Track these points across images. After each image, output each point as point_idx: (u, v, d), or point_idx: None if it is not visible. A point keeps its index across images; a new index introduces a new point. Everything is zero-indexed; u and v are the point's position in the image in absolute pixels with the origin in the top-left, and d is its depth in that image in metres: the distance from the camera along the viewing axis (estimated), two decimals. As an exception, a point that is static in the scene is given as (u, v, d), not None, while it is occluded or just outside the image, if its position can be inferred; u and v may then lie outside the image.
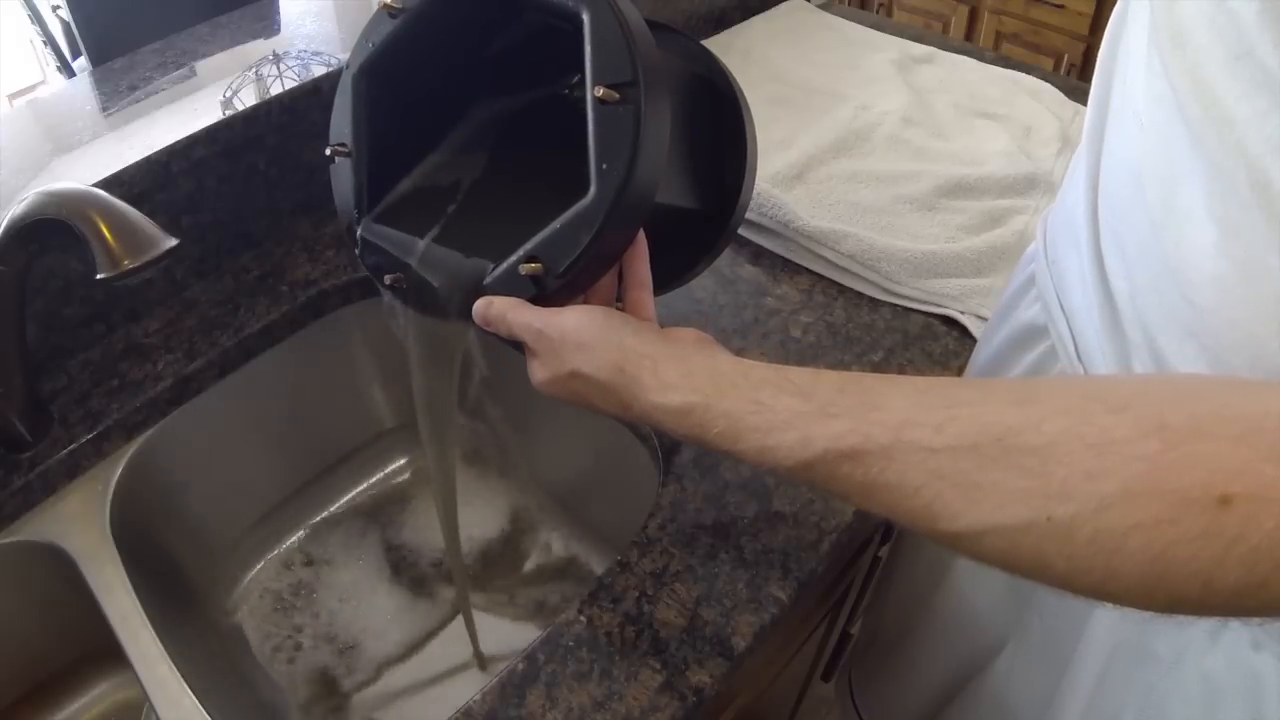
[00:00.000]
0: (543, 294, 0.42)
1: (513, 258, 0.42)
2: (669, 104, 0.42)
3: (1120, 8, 0.41)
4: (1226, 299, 0.34)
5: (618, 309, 0.46)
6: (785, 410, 0.33)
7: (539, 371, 0.41)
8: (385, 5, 0.45)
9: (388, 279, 0.47)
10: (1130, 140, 0.40)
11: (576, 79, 0.40)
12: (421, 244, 0.46)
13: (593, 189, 0.40)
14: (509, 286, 0.43)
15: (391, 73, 0.47)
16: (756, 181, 0.76)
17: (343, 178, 0.48)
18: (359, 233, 0.48)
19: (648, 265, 0.45)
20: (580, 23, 0.40)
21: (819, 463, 0.32)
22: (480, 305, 0.42)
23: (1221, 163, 0.32)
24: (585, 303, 0.46)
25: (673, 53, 0.56)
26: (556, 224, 0.41)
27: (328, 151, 0.48)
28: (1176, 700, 0.42)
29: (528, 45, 0.51)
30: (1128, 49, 0.40)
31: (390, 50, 0.46)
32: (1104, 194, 0.43)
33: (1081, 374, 0.45)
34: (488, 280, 0.43)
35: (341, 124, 0.48)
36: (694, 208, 0.55)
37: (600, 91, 0.39)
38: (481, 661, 0.70)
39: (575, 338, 0.39)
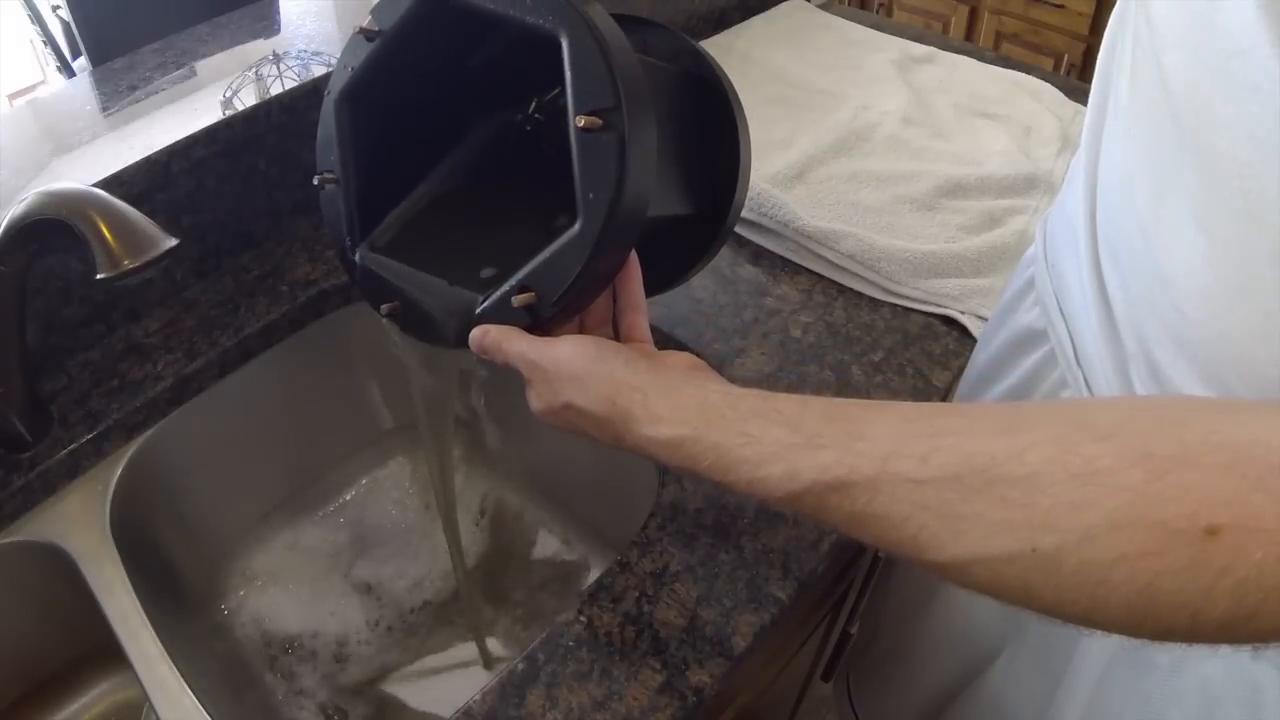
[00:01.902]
0: (537, 322, 0.42)
1: (505, 287, 0.42)
2: (654, 124, 0.41)
3: (1119, 11, 0.41)
4: (1216, 312, 0.34)
5: (613, 320, 0.46)
6: (773, 442, 0.33)
7: (534, 402, 0.42)
8: (361, 29, 0.44)
9: (384, 308, 0.46)
10: (1120, 146, 0.39)
11: (558, 90, 0.40)
12: (415, 272, 0.46)
13: (580, 219, 0.40)
14: (503, 315, 0.42)
15: (373, 95, 0.47)
16: (757, 181, 0.77)
17: (333, 205, 0.47)
18: (354, 260, 0.47)
19: (641, 286, 0.46)
20: (558, 44, 0.39)
21: (807, 494, 0.32)
22: (476, 334, 0.42)
23: (1212, 170, 0.32)
24: (581, 324, 0.46)
25: (659, 54, 0.56)
26: (546, 253, 0.41)
27: (316, 181, 0.47)
28: (1174, 708, 0.42)
29: (511, 53, 0.50)
30: (1122, 53, 0.40)
31: (370, 73, 0.45)
32: (1100, 200, 0.43)
33: (1080, 378, 0.45)
34: (482, 308, 0.43)
35: (327, 151, 0.47)
36: (688, 213, 0.55)
37: (582, 121, 0.38)
38: (484, 661, 0.70)
39: (568, 370, 0.39)
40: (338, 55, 0.45)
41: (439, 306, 0.45)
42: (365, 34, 0.45)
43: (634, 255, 0.45)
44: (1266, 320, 0.32)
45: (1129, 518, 0.25)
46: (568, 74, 0.39)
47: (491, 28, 0.41)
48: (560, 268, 0.40)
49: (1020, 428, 0.28)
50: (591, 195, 0.39)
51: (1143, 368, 0.40)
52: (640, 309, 0.45)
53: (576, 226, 0.40)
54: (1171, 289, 0.36)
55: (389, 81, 0.47)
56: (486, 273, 0.45)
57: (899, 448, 0.30)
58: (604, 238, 0.39)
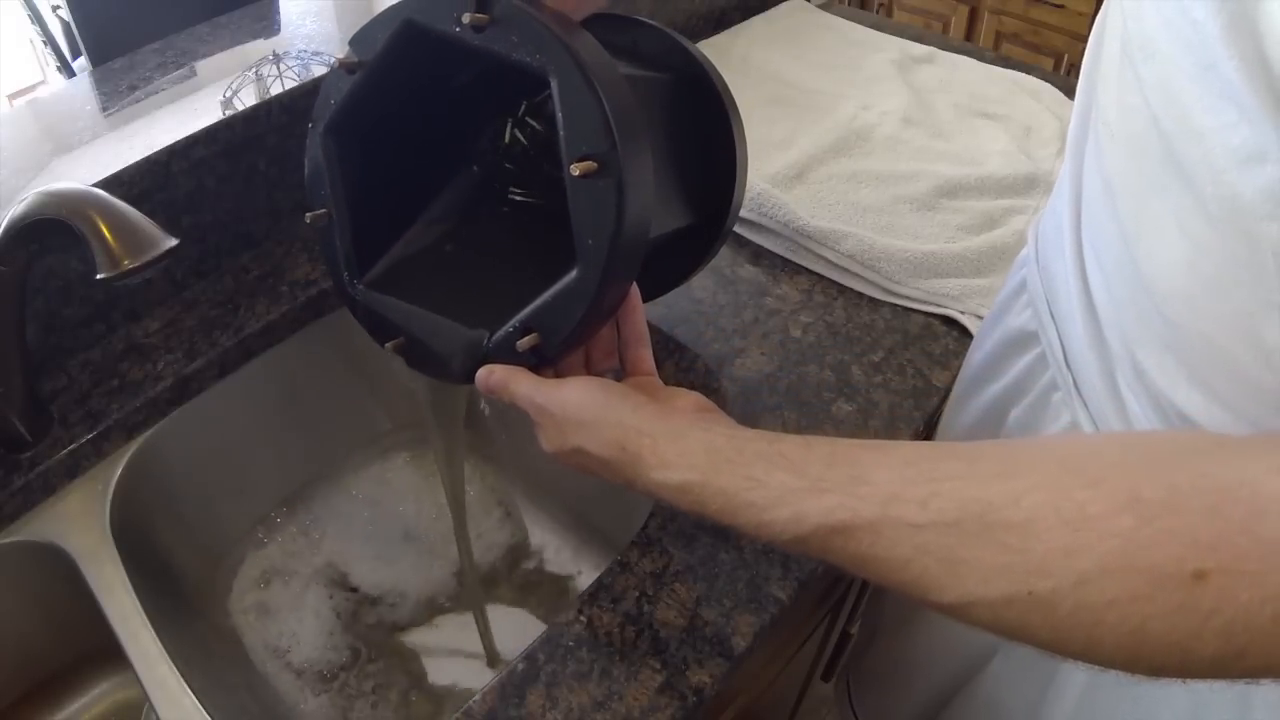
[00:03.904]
0: (543, 360, 0.42)
1: (507, 328, 0.42)
2: (651, 159, 0.41)
3: (1100, 18, 0.41)
4: (1197, 315, 0.34)
5: (616, 354, 0.47)
6: (778, 486, 0.33)
7: (544, 444, 0.42)
8: (341, 63, 0.44)
9: (389, 345, 0.46)
10: (1103, 152, 0.40)
11: (547, 93, 0.39)
12: (416, 309, 0.45)
13: (580, 265, 0.39)
14: (508, 356, 0.42)
15: (359, 126, 0.46)
16: (757, 181, 0.77)
17: (328, 241, 0.47)
18: (354, 296, 0.47)
19: (644, 319, 0.46)
20: (548, 81, 0.38)
21: (812, 537, 0.32)
22: (482, 374, 0.43)
23: (1191, 176, 0.32)
24: (587, 356, 0.46)
25: (649, 53, 0.55)
26: (547, 296, 0.40)
27: (308, 219, 0.46)
28: (1164, 708, 0.42)
29: (499, 66, 0.50)
30: (1105, 60, 0.40)
31: (354, 104, 0.45)
32: (1084, 204, 0.43)
33: (1070, 380, 0.45)
34: (486, 348, 0.43)
35: (317, 186, 0.46)
36: (688, 224, 0.54)
37: (577, 170, 0.38)
38: (489, 659, 0.70)
39: (576, 415, 0.40)
40: (337, 55, 0.44)
41: (443, 343, 0.45)
42: (346, 67, 0.44)
43: (635, 289, 0.45)
44: (1248, 322, 0.32)
45: (1119, 563, 0.25)
46: (559, 116, 0.38)
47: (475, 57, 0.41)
48: (563, 310, 0.40)
49: (1016, 472, 0.29)
50: (591, 241, 0.39)
51: (1128, 370, 0.40)
52: (644, 342, 0.46)
53: (576, 272, 0.39)
54: (1154, 292, 0.36)
55: (375, 110, 0.46)
56: (489, 308, 0.44)
57: (899, 492, 0.30)
58: (605, 280, 0.39)
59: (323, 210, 0.46)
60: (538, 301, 0.41)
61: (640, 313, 0.46)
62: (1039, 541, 0.27)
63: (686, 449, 0.37)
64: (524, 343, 0.41)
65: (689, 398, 0.41)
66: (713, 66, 0.55)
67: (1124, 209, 0.38)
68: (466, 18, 0.39)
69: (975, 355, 0.58)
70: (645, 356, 0.45)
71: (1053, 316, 0.47)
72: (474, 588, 0.71)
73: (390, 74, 0.44)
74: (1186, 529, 0.25)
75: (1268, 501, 0.24)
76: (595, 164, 0.38)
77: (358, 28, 0.44)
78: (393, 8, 0.42)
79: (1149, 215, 0.36)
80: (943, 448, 0.32)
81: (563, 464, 0.42)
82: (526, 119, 0.52)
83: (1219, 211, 0.31)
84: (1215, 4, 0.28)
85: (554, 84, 0.38)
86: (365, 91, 0.44)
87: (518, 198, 0.53)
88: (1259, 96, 0.28)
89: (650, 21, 0.55)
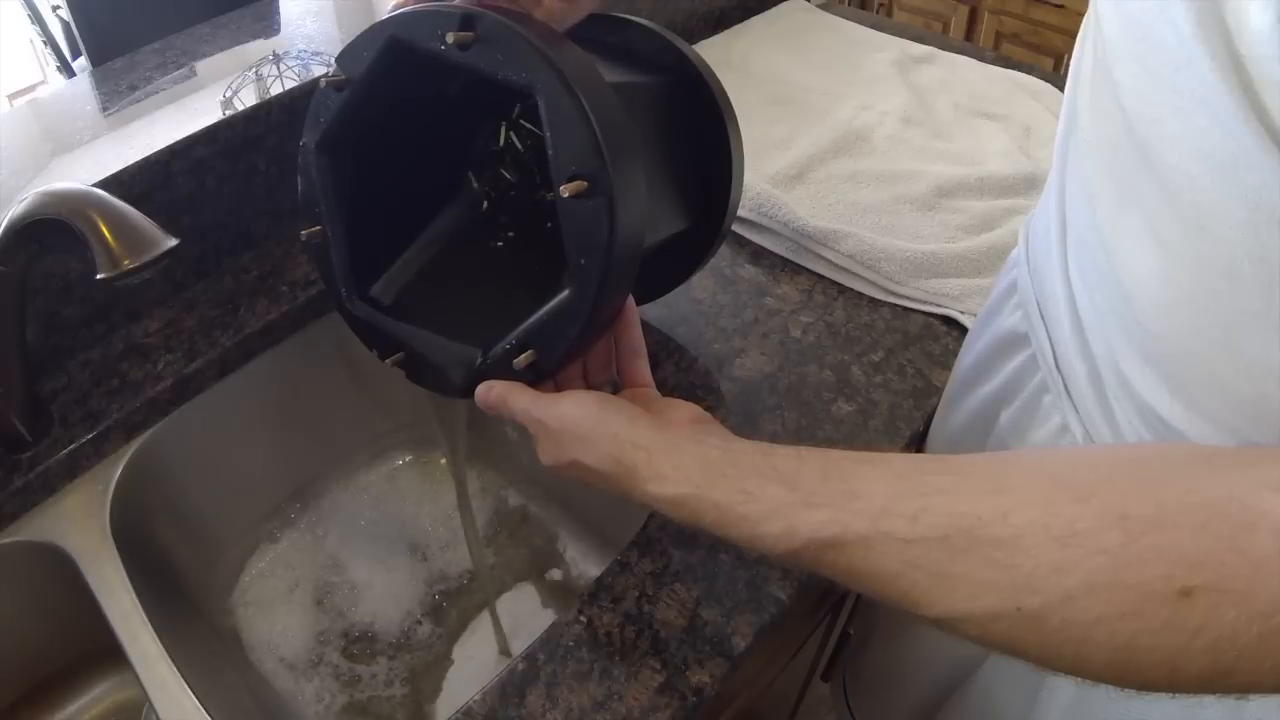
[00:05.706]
0: (540, 376, 0.42)
1: (505, 344, 0.42)
2: (643, 174, 0.40)
3: (1087, 19, 0.41)
4: (1176, 327, 0.34)
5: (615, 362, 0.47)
6: (771, 500, 0.34)
7: (543, 457, 0.42)
8: (328, 81, 0.43)
9: (389, 360, 0.46)
10: (1083, 156, 0.39)
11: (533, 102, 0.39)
12: (415, 327, 0.45)
13: (573, 285, 0.39)
14: (505, 372, 0.42)
15: (351, 142, 0.46)
16: (757, 181, 0.77)
17: (324, 258, 0.47)
18: (352, 313, 0.47)
19: (640, 332, 0.46)
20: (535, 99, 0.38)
21: (804, 551, 0.32)
22: (481, 391, 0.43)
23: (1165, 183, 0.32)
24: (585, 368, 0.47)
25: (642, 53, 0.54)
26: (542, 313, 0.40)
27: (303, 235, 0.46)
28: (1155, 709, 0.42)
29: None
30: (1083, 63, 0.39)
31: (344, 122, 0.44)
32: (1068, 210, 0.43)
33: (1060, 384, 0.45)
34: (484, 365, 0.43)
35: (310, 204, 0.46)
36: (685, 227, 0.54)
37: (567, 191, 0.37)
38: (489, 659, 0.70)
39: (573, 429, 0.40)
40: (337, 55, 0.44)
41: (442, 359, 0.44)
42: (334, 85, 0.43)
43: (631, 302, 0.45)
44: (1226, 333, 0.32)
45: (1107, 580, 0.25)
46: (547, 136, 0.38)
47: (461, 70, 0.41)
48: (558, 327, 0.40)
49: (1005, 487, 0.29)
50: (583, 260, 0.39)
51: (1113, 379, 0.40)
52: (640, 354, 0.46)
53: (569, 290, 0.39)
54: (1133, 303, 0.36)
55: (365, 126, 0.45)
56: (487, 324, 0.44)
57: (890, 506, 0.30)
58: (599, 297, 0.39)
59: (317, 228, 0.46)
60: (532, 319, 0.41)
61: (636, 325, 0.46)
62: (1027, 557, 0.27)
63: (681, 462, 0.37)
64: (521, 360, 0.41)
65: (685, 409, 0.41)
66: (706, 66, 0.54)
67: (1102, 216, 0.37)
68: (451, 36, 0.39)
69: (966, 356, 0.58)
70: (642, 368, 0.46)
71: (1043, 318, 0.47)
72: (477, 585, 0.71)
73: (378, 90, 0.44)
74: (1174, 545, 0.25)
75: (1256, 518, 0.24)
76: (585, 183, 0.37)
77: (358, 28, 0.44)
78: (377, 24, 0.42)
79: (1126, 223, 0.35)
80: (935, 461, 0.32)
81: (561, 477, 0.42)
82: (521, 120, 0.52)
83: (1194, 219, 0.31)
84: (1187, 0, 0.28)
85: (541, 103, 0.38)
86: (354, 108, 0.44)
87: (510, 234, 0.53)
88: (1233, 96, 0.27)
89: (643, 21, 0.54)
